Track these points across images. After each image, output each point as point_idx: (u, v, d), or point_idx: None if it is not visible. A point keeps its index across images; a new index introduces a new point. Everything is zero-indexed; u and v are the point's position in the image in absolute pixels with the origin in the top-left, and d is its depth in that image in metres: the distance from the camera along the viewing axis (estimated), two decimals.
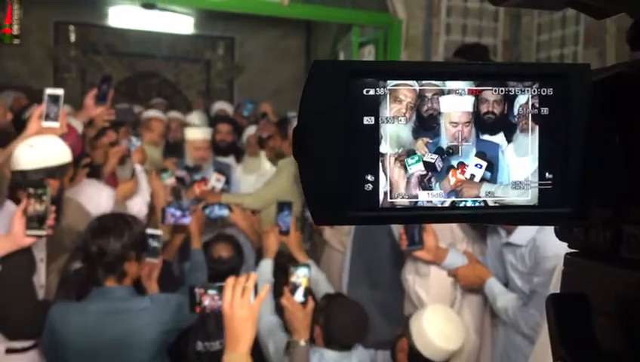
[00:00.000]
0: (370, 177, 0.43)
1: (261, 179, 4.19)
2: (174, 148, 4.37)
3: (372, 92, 0.43)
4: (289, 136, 3.78)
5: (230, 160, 4.51)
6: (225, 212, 3.28)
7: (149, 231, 2.56)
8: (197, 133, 4.18)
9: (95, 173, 3.17)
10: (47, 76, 7.12)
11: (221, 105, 5.79)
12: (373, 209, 0.43)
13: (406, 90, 0.43)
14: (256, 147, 4.37)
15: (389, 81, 0.43)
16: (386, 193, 0.43)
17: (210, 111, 5.71)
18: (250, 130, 4.56)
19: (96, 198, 2.92)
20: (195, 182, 3.77)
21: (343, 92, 0.42)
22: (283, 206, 2.87)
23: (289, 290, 2.26)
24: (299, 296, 2.25)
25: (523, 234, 2.25)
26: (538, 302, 2.17)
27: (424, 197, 0.43)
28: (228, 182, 3.99)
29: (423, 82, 0.43)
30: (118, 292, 2.16)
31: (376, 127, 0.43)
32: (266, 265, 2.71)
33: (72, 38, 7.45)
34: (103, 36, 7.50)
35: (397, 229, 2.52)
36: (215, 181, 3.82)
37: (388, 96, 0.43)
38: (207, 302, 2.10)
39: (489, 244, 2.51)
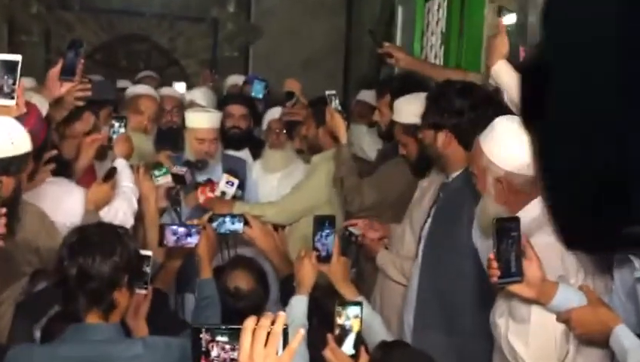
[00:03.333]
0: None
1: (287, 182, 4.17)
2: (170, 137, 4.36)
3: None
4: (328, 121, 3.72)
5: (245, 154, 4.50)
6: (239, 226, 3.25)
7: None
8: (200, 118, 4.18)
9: (64, 169, 3.17)
10: (0, 39, 7.21)
11: (235, 80, 5.78)
12: None
13: None
14: (281, 136, 4.32)
15: None
16: None
17: (223, 88, 5.70)
18: (273, 114, 4.53)
19: (64, 204, 2.92)
20: (199, 186, 3.73)
21: (621, 12, 0.32)
22: (323, 221, 2.80)
23: (334, 338, 2.22)
24: (348, 345, 2.22)
25: None
26: None
27: None
28: (242, 185, 3.98)
29: None
30: (103, 332, 2.15)
31: None
32: (299, 304, 2.67)
33: None
34: None
35: (484, 253, 2.45)
36: (225, 185, 3.81)
37: None
38: (215, 352, 2.06)
39: (617, 278, 2.44)
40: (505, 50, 2.79)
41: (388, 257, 3.32)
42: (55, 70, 3.06)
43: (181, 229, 3.01)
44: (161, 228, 3.03)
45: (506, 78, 2.73)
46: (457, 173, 2.93)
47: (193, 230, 3.01)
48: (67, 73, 3.05)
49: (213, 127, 4.14)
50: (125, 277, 2.20)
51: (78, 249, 2.18)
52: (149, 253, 2.71)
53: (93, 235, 2.22)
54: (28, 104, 2.71)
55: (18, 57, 2.57)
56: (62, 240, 2.31)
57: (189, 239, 2.99)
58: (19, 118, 2.50)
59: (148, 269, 2.65)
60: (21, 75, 2.58)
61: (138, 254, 2.34)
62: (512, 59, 2.80)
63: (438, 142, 2.91)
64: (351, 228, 3.28)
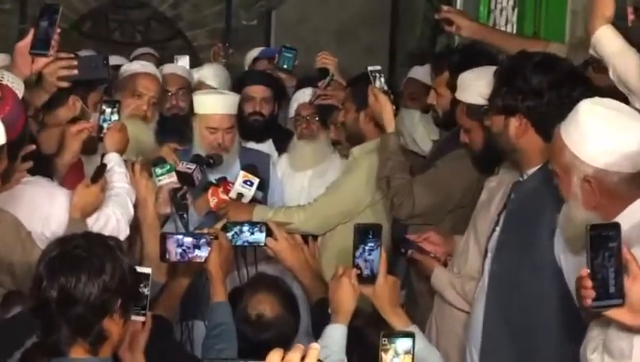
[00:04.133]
0: None
1: (320, 181, 4.20)
2: (175, 125, 4.39)
3: None
4: (371, 104, 3.70)
5: (267, 147, 4.54)
6: (260, 237, 3.25)
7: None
8: (213, 102, 4.21)
9: (44, 167, 3.18)
10: None
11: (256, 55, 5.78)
12: None
13: None
14: (312, 125, 4.32)
15: None
16: None
17: (244, 65, 5.73)
18: (303, 96, 4.54)
19: (44, 209, 2.94)
20: (211, 186, 3.73)
21: None
22: (366, 231, 2.78)
23: None
24: None
25: None
26: None
27: None
28: (263, 185, 4.00)
29: None
30: None
31: None
32: (336, 334, 2.66)
33: None
34: None
35: (571, 270, 2.42)
36: (242, 185, 3.83)
37: None
38: None
39: None
40: (609, 12, 2.72)
41: (445, 276, 3.30)
42: (24, 43, 3.07)
43: (187, 239, 3.00)
44: (163, 239, 3.02)
45: (612, 47, 2.66)
46: (534, 169, 2.90)
47: (202, 240, 3.00)
48: (40, 46, 3.07)
49: (229, 114, 4.17)
50: (118, 301, 2.18)
51: (60, 266, 2.16)
52: (147, 270, 2.68)
53: (78, 249, 2.20)
54: (2, 87, 2.72)
55: None
56: (40, 255, 2.29)
57: (197, 252, 2.98)
58: None
59: (146, 291, 2.63)
60: None
61: (134, 272, 2.32)
62: (617, 22, 2.73)
63: (510, 131, 2.88)
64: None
